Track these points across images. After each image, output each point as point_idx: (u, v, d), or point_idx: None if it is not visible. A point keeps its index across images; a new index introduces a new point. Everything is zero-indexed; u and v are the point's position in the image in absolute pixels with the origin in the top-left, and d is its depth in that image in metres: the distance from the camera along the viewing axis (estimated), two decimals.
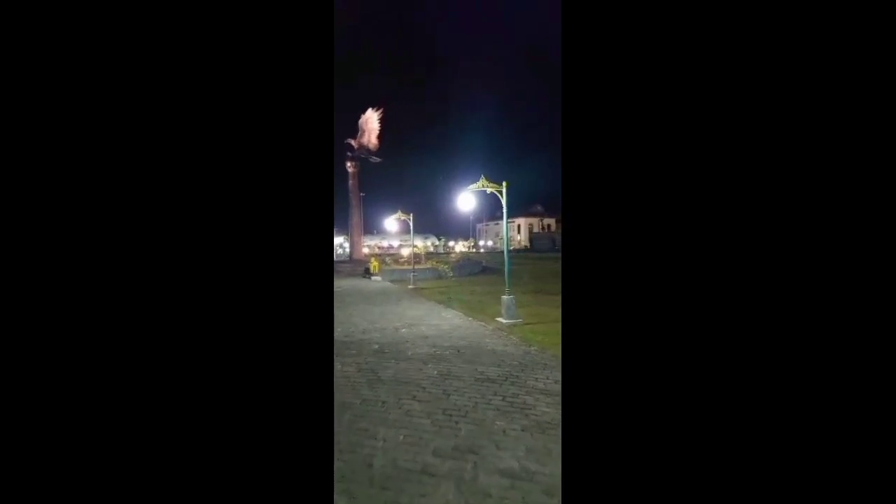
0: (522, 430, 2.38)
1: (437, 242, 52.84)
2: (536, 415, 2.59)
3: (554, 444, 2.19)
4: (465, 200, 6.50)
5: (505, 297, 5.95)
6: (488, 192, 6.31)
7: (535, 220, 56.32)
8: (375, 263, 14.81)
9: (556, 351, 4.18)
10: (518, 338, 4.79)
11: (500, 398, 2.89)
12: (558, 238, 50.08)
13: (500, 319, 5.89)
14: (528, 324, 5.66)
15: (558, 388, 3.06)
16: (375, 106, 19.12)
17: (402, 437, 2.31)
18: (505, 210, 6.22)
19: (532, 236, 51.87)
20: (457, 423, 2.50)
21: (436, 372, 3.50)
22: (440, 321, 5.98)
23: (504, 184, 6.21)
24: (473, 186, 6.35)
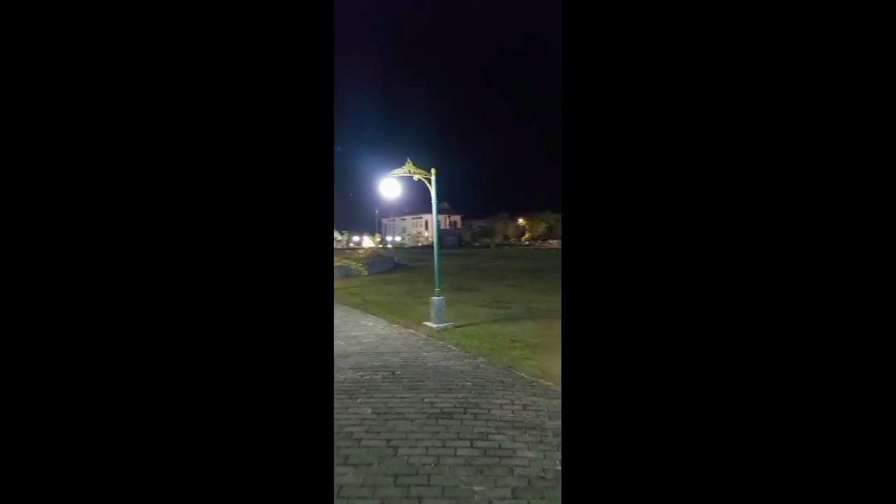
0: (514, 497, 1.70)
1: (339, 237, 49.70)
2: (521, 465, 1.94)
3: None
4: (389, 187, 5.58)
5: (435, 299, 5.27)
6: (415, 178, 5.51)
7: (442, 217, 57.70)
8: None
9: (500, 358, 3.65)
10: (457, 346, 4.15)
11: (467, 443, 2.16)
12: (464, 234, 52.32)
13: (428, 324, 5.21)
14: (458, 327, 5.13)
15: (528, 416, 2.47)
16: None
17: None
18: (434, 200, 5.51)
19: (440, 233, 52.93)
20: (419, 498, 1.70)
21: (370, 410, 2.60)
22: (361, 331, 4.99)
23: (433, 171, 5.48)
24: (398, 171, 5.46)
